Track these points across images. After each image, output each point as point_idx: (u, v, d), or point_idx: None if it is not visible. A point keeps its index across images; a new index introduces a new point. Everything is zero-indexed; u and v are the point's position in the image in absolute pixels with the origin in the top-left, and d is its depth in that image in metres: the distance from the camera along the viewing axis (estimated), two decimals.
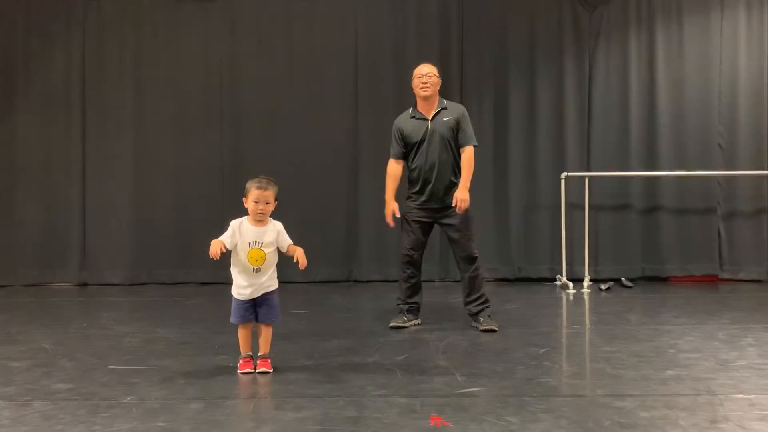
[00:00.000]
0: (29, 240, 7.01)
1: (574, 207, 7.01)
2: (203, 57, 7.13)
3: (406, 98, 7.03)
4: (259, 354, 3.68)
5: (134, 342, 4.37)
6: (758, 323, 4.89)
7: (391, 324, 4.74)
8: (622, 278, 6.94)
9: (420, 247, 4.79)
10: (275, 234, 3.67)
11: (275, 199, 3.67)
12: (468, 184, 4.65)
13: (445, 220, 4.72)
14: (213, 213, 6.90)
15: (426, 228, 4.81)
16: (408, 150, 4.79)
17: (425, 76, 4.69)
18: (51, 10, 7.07)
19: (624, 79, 7.17)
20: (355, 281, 7.14)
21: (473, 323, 4.75)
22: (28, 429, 2.78)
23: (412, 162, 4.77)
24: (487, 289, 4.87)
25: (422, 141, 4.69)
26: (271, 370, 3.63)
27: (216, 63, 7.12)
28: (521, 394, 3.21)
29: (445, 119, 4.71)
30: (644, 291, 6.53)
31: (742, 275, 7.09)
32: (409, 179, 4.84)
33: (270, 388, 3.33)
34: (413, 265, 4.80)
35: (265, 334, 3.69)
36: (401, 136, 4.78)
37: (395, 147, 4.83)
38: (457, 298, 5.83)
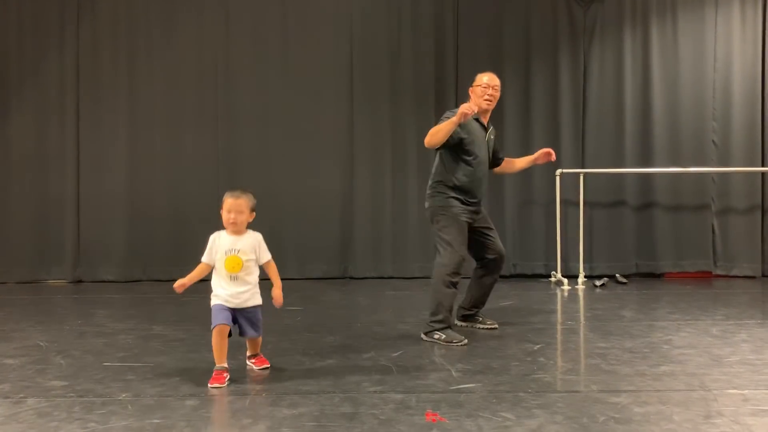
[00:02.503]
0: (23, 237, 7.00)
1: (569, 204, 7.03)
2: (198, 53, 7.11)
3: (401, 95, 7.08)
4: (249, 354, 3.69)
5: (129, 339, 4.37)
6: (752, 319, 4.91)
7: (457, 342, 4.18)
8: (617, 275, 6.96)
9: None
10: (253, 243, 3.55)
11: (252, 210, 3.55)
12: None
13: (482, 223, 4.53)
14: (207, 209, 6.88)
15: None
16: (462, 149, 4.34)
17: (492, 88, 4.45)
18: (45, 4, 7.04)
19: (618, 75, 7.18)
20: (351, 278, 7.14)
21: (464, 323, 4.72)
22: (23, 426, 2.77)
23: (469, 167, 4.35)
24: None
25: (480, 150, 4.42)
26: (269, 365, 3.65)
27: (211, 59, 7.11)
28: (516, 390, 3.22)
29: (492, 136, 4.60)
30: (638, 287, 6.55)
31: (735, 271, 7.13)
32: (458, 181, 4.35)
33: (265, 385, 3.33)
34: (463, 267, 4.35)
35: (254, 342, 3.66)
36: (462, 130, 4.28)
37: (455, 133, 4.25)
38: None
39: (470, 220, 4.43)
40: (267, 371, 3.59)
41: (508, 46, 7.19)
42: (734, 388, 3.24)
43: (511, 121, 7.19)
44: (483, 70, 7.07)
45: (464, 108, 4.04)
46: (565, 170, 6.89)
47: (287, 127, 7.11)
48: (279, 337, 4.38)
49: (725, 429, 2.69)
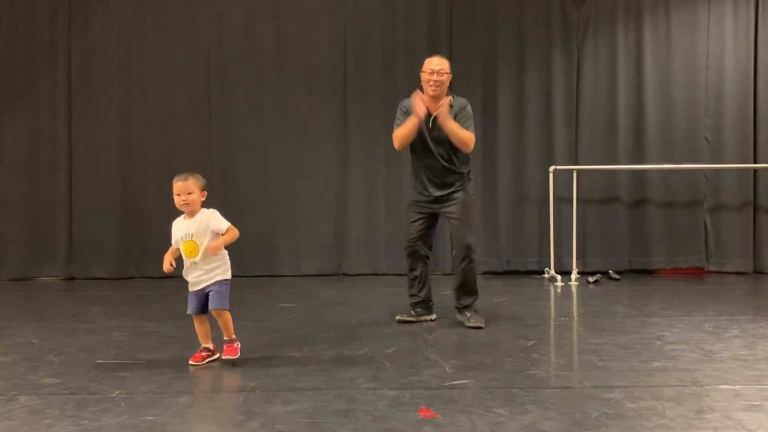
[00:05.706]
0: (15, 234, 6.97)
1: (563, 200, 7.04)
2: (191, 49, 7.09)
3: (396, 91, 7.05)
4: (225, 338, 3.66)
5: (122, 336, 4.36)
6: (743, 315, 4.93)
7: (397, 317, 4.72)
8: (610, 271, 6.98)
9: (420, 238, 4.65)
10: (205, 220, 3.60)
11: (202, 190, 3.67)
12: (452, 126, 4.37)
13: (445, 209, 4.58)
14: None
15: (426, 219, 4.64)
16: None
17: (436, 73, 4.42)
18: (37, 1, 7.00)
19: (612, 72, 7.19)
20: (345, 275, 7.14)
21: (458, 316, 4.71)
22: (15, 424, 2.76)
23: (413, 155, 4.62)
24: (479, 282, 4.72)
25: (422, 137, 4.49)
26: (236, 356, 3.62)
27: (204, 55, 7.09)
28: (510, 385, 3.22)
29: (448, 119, 4.50)
30: (631, 283, 6.57)
31: (728, 267, 7.16)
32: (412, 175, 4.71)
33: (259, 381, 3.32)
34: (414, 258, 4.68)
35: (220, 321, 3.63)
36: (405, 119, 4.52)
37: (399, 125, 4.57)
38: (446, 292, 5.86)
39: (423, 210, 4.62)
40: (257, 368, 3.53)
41: (501, 43, 7.19)
42: (726, 383, 3.25)
43: (505, 117, 7.19)
44: (477, 67, 7.24)
45: (418, 108, 4.29)
46: (558, 167, 6.90)
47: (281, 124, 7.09)
48: (272, 333, 4.38)
49: (717, 424, 2.70)
